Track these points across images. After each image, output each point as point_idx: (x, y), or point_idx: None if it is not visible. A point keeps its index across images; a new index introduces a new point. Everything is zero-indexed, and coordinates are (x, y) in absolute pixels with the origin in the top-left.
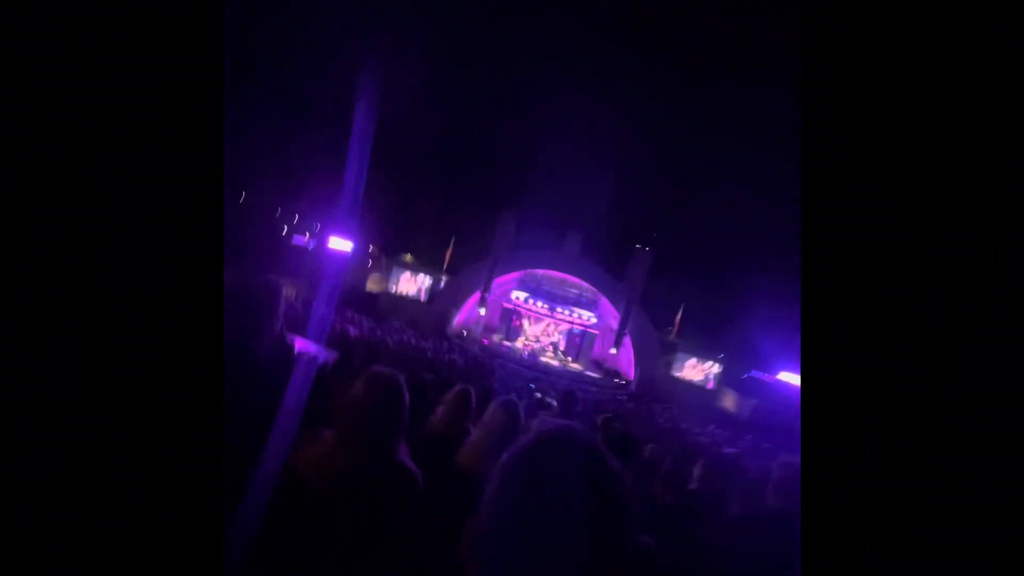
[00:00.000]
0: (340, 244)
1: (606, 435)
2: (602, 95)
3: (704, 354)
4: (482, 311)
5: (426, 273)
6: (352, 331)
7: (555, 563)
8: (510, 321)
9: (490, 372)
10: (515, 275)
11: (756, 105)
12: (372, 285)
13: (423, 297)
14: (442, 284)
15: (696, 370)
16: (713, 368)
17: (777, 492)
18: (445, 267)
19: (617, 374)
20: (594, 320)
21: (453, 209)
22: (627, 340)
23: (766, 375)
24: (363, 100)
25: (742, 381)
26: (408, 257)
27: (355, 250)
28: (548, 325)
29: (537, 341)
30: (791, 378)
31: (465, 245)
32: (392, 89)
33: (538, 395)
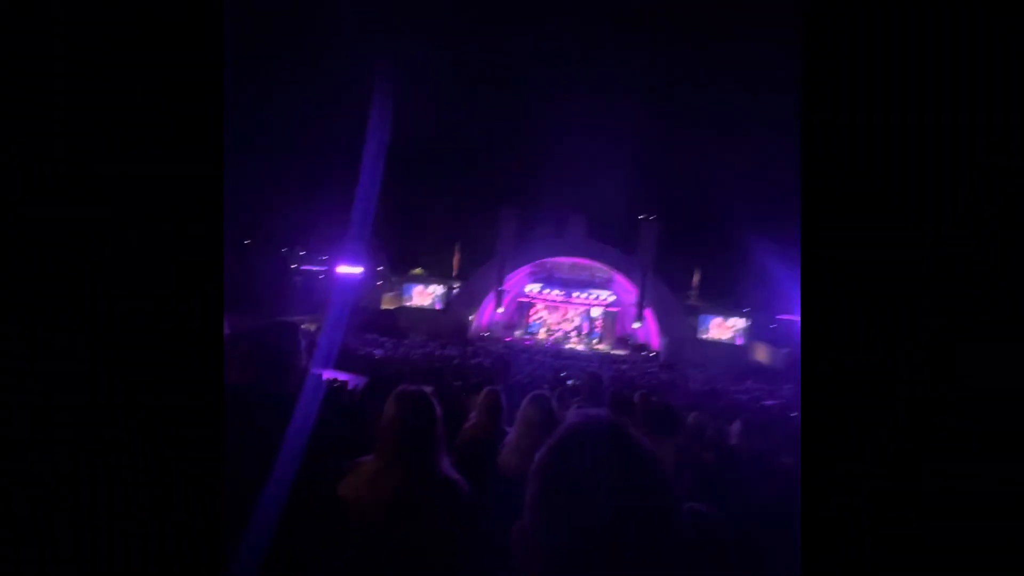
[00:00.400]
0: (350, 269)
1: (645, 411)
2: (595, 73)
3: (727, 311)
4: (500, 310)
5: (438, 283)
6: (377, 353)
7: (609, 554)
8: (528, 315)
9: (518, 368)
10: (526, 269)
11: (746, 58)
12: (387, 303)
13: (439, 306)
14: (455, 291)
15: (722, 328)
16: (739, 323)
17: None
18: (455, 273)
19: (645, 347)
20: (612, 298)
21: (454, 215)
22: (649, 312)
23: (792, 317)
24: (375, 125)
25: (771, 330)
26: (418, 270)
27: (365, 272)
28: (567, 311)
29: (559, 329)
30: None
31: (471, 249)
32: (399, 107)
33: (569, 382)
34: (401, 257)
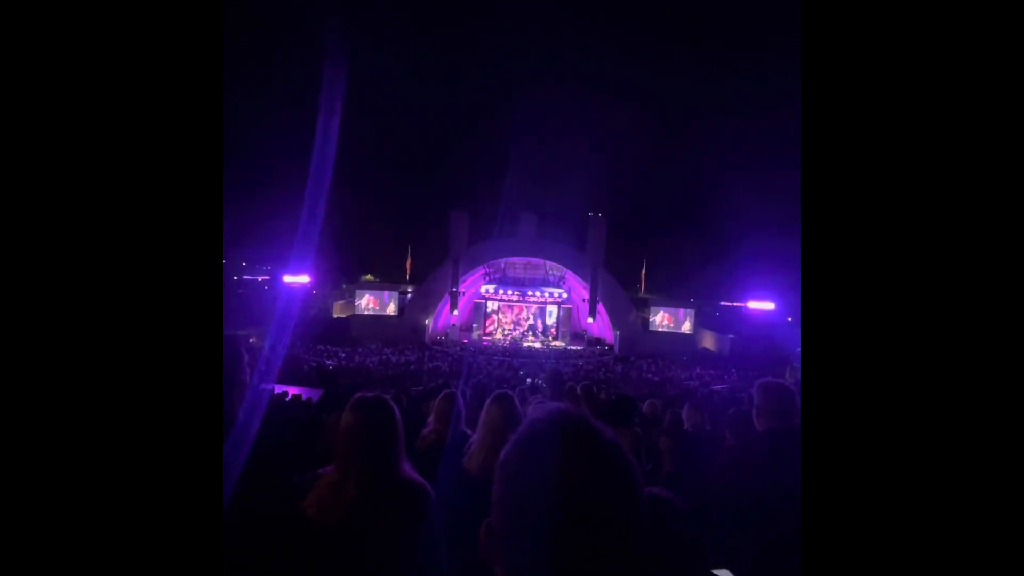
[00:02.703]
0: (295, 278)
1: (599, 403)
2: (543, 73)
3: (674, 302)
4: (455, 312)
5: (390, 288)
6: (330, 364)
7: (577, 543)
8: (485, 316)
9: (477, 370)
10: (480, 270)
11: (693, 54)
12: (338, 312)
13: (393, 312)
14: (409, 295)
15: (671, 318)
16: (686, 313)
17: (760, 414)
18: (408, 278)
19: (600, 341)
20: (565, 295)
21: (403, 220)
22: (601, 307)
23: (734, 303)
24: (322, 128)
25: (715, 318)
26: (369, 276)
27: (313, 281)
28: (523, 310)
29: (515, 328)
30: (759, 305)
31: (423, 253)
32: (346, 109)
33: (528, 380)
34: (351, 264)
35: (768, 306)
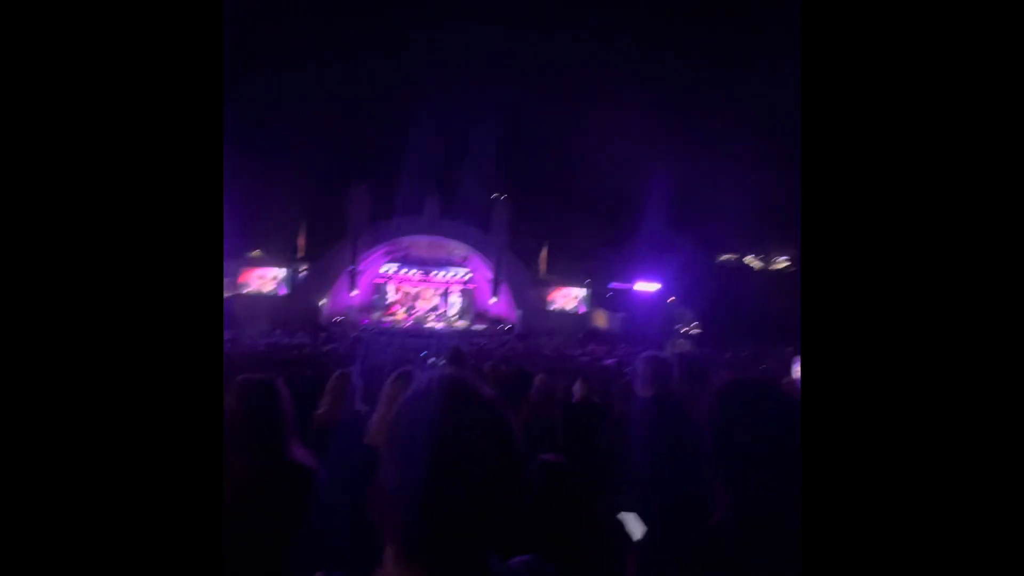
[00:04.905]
0: None
1: (497, 378)
2: (450, 46)
3: (572, 282)
4: (354, 292)
5: (280, 265)
6: None
7: (456, 493)
8: (386, 296)
9: (378, 351)
10: (381, 248)
11: (597, 31)
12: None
13: (283, 291)
14: (302, 274)
15: (568, 298)
16: (581, 293)
17: (643, 383)
18: (302, 255)
19: (502, 320)
20: (469, 275)
21: (297, 192)
22: (504, 287)
23: (623, 285)
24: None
25: (606, 299)
26: (256, 252)
27: None
28: (425, 290)
29: (416, 309)
30: (646, 286)
31: (319, 228)
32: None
33: (431, 360)
34: (236, 239)
35: (653, 287)
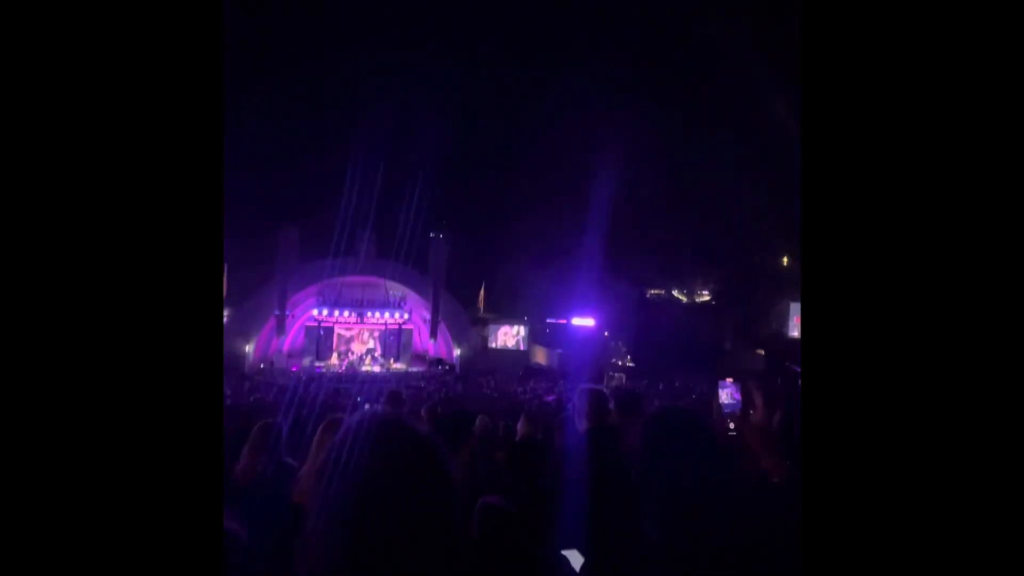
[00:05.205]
0: None
1: (436, 423)
2: (384, 80)
3: (510, 320)
4: (281, 337)
5: None
6: None
7: (397, 543)
8: (318, 340)
9: (309, 399)
10: (312, 289)
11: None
12: None
13: None
14: (224, 319)
15: (508, 336)
16: (521, 331)
17: (580, 417)
18: (224, 298)
19: (441, 361)
20: (407, 316)
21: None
22: (442, 327)
23: (559, 320)
24: None
25: (544, 334)
26: None
27: None
28: (360, 333)
29: (350, 352)
30: (581, 321)
31: (243, 270)
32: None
33: (367, 406)
34: None
35: (588, 322)
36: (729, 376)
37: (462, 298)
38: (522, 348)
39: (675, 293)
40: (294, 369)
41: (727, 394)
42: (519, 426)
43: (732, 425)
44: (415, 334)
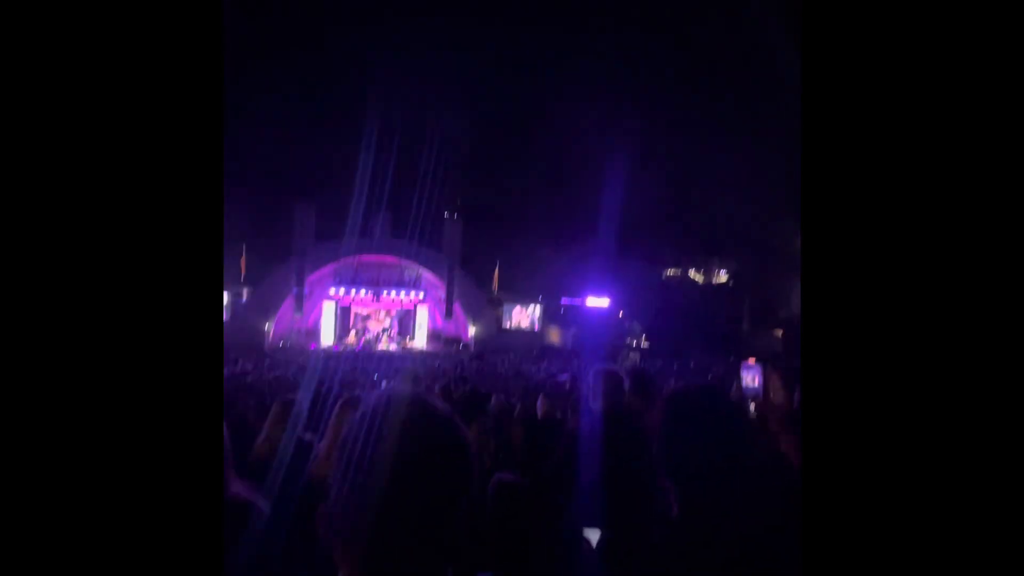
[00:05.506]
0: None
1: (453, 399)
2: (397, 62)
3: (524, 300)
4: (298, 315)
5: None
6: None
7: (418, 516)
8: (336, 319)
9: (326, 377)
10: (328, 268)
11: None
12: None
13: (225, 316)
14: (244, 298)
15: (522, 316)
16: (535, 310)
17: (595, 397)
18: (242, 278)
19: (456, 340)
20: (422, 296)
21: (236, 211)
22: (457, 306)
23: (575, 300)
24: None
25: (558, 314)
26: None
27: None
28: (377, 312)
29: (367, 331)
30: (596, 302)
31: (261, 249)
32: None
33: (384, 383)
34: None
35: (603, 303)
36: (751, 357)
37: (477, 278)
38: (536, 328)
39: (692, 274)
40: (312, 347)
41: (751, 377)
42: (539, 404)
43: (753, 407)
44: (430, 312)
